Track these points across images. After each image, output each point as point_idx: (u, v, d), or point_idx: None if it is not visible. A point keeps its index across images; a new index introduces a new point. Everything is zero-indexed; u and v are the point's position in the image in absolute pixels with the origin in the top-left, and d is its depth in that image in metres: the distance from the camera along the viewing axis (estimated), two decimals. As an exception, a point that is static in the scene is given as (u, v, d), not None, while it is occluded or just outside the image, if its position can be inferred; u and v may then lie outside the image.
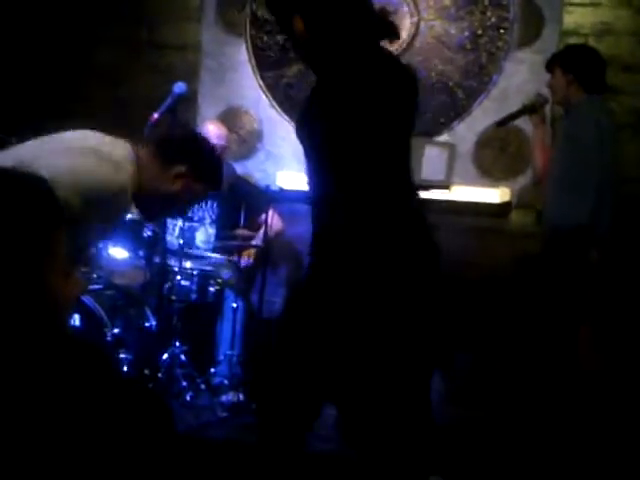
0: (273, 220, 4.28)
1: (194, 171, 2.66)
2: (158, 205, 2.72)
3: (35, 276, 1.15)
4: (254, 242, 4.22)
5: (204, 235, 4.34)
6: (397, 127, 2.20)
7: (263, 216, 4.21)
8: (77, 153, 2.44)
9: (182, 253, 3.93)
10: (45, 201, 1.19)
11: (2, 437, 1.08)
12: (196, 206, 4.34)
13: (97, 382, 1.31)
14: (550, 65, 3.82)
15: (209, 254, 4.18)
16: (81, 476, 1.15)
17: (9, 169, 1.24)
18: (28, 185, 1.19)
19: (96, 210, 2.38)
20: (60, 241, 1.21)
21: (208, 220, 4.40)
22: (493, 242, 4.57)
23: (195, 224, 4.31)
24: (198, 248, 4.23)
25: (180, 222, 4.20)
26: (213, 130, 4.46)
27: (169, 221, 4.05)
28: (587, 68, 3.72)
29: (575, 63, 3.73)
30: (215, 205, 4.41)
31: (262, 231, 4.13)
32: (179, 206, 2.85)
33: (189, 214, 4.28)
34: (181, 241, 3.96)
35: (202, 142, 2.82)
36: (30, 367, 1.16)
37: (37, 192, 1.18)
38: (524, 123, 4.18)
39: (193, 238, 4.24)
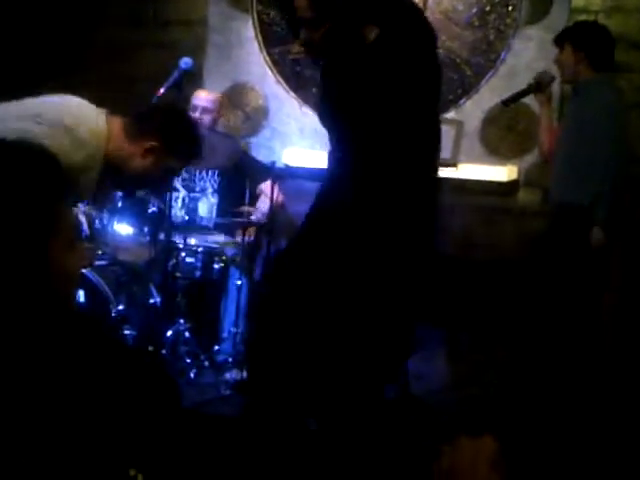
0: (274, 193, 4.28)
1: (167, 146, 2.61)
2: (129, 178, 2.67)
3: (40, 249, 1.15)
4: (254, 217, 4.20)
5: (207, 205, 4.34)
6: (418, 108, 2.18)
7: (261, 187, 4.22)
8: (40, 123, 2.39)
9: (187, 229, 3.91)
10: (49, 173, 1.18)
11: (9, 410, 1.07)
12: (197, 176, 4.33)
13: (102, 355, 1.31)
14: (560, 41, 3.76)
15: (214, 233, 4.16)
16: (88, 447, 1.14)
17: (14, 141, 1.22)
18: (32, 157, 1.18)
19: None
20: (64, 213, 1.21)
21: (210, 190, 4.38)
22: (500, 220, 4.55)
23: (197, 194, 4.28)
24: (202, 219, 4.22)
25: (183, 193, 4.19)
26: (204, 95, 4.41)
27: (173, 193, 4.03)
28: (598, 46, 3.68)
29: (586, 41, 3.68)
30: (217, 174, 4.38)
31: (262, 206, 4.13)
32: (152, 180, 2.79)
33: (191, 185, 4.27)
34: (185, 214, 3.95)
35: (177, 116, 2.77)
36: (35, 341, 1.15)
37: (41, 164, 1.17)
38: (532, 100, 4.14)
39: (196, 209, 4.22)
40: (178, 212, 4.11)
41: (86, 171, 2.48)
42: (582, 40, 3.69)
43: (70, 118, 2.46)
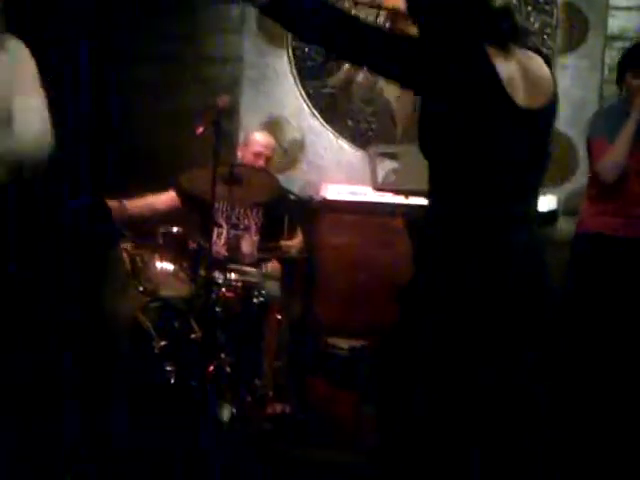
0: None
1: None
2: None
3: (94, 294, 1.17)
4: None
5: (249, 242, 4.36)
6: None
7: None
8: None
9: (226, 265, 3.94)
10: (103, 222, 1.20)
11: None
12: (241, 214, 4.37)
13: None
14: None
15: (253, 269, 4.18)
16: None
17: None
18: (86, 208, 1.20)
19: None
20: (117, 260, 1.23)
21: (254, 228, 4.42)
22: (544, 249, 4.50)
23: (240, 232, 4.32)
24: (244, 257, 4.25)
25: (225, 229, 4.22)
26: (261, 139, 4.46)
27: (215, 229, 4.07)
28: None
29: None
30: (260, 213, 4.42)
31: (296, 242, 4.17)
32: None
33: (234, 221, 4.30)
34: (226, 250, 3.98)
35: None
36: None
37: (95, 214, 1.20)
38: (570, 128, 4.12)
39: (239, 246, 4.25)
40: (220, 249, 4.14)
41: None
42: None
43: None
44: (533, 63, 2.20)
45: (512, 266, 2.15)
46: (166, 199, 4.33)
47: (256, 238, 4.37)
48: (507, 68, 2.09)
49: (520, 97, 2.10)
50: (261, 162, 4.38)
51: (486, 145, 2.11)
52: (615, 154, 3.66)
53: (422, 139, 2.20)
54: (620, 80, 3.82)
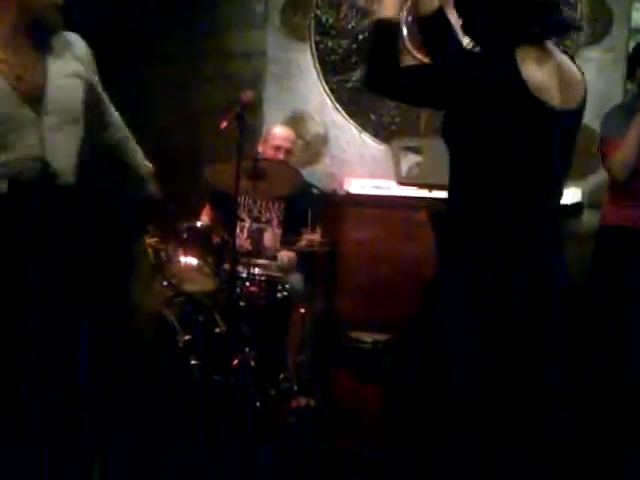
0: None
1: None
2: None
3: (121, 288, 1.18)
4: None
5: (271, 235, 4.38)
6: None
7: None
8: None
9: (250, 259, 3.95)
10: (130, 216, 1.21)
11: None
12: (263, 207, 4.39)
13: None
14: None
15: (275, 262, 4.19)
16: None
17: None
18: (113, 201, 1.21)
19: None
20: (143, 253, 1.24)
21: (276, 221, 4.43)
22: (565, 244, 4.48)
23: (262, 226, 4.33)
24: (266, 249, 4.26)
25: (248, 223, 4.23)
26: (280, 132, 4.47)
27: (238, 223, 4.08)
28: None
29: None
30: (282, 207, 4.43)
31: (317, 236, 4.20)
32: None
33: (256, 215, 4.31)
34: (249, 244, 3.99)
35: None
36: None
37: (122, 208, 1.21)
38: (594, 120, 4.08)
39: (261, 240, 4.26)
40: (243, 242, 4.16)
41: None
42: None
43: None
44: (567, 62, 2.21)
45: (536, 260, 2.15)
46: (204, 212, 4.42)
47: (278, 231, 4.38)
48: (540, 71, 2.10)
49: (554, 98, 2.11)
50: (281, 155, 4.39)
51: (513, 146, 2.12)
52: (624, 152, 3.63)
53: (447, 133, 2.21)
54: (631, 75, 3.79)
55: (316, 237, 4.38)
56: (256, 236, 4.17)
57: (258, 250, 4.14)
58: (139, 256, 1.18)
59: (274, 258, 4.22)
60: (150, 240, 3.60)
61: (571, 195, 4.51)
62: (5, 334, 1.77)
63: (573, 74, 2.21)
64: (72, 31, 2.31)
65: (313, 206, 4.40)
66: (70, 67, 2.28)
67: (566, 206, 4.48)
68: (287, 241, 4.32)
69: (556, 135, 2.17)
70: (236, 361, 3.72)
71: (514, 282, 2.11)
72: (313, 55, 5.12)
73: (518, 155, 2.12)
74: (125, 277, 1.18)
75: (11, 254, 1.90)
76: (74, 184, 2.07)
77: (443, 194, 3.71)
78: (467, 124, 2.13)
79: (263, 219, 4.41)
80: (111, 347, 1.17)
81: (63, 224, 1.89)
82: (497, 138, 2.10)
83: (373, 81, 2.24)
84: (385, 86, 2.24)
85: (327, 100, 5.11)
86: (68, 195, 2.01)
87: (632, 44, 4.31)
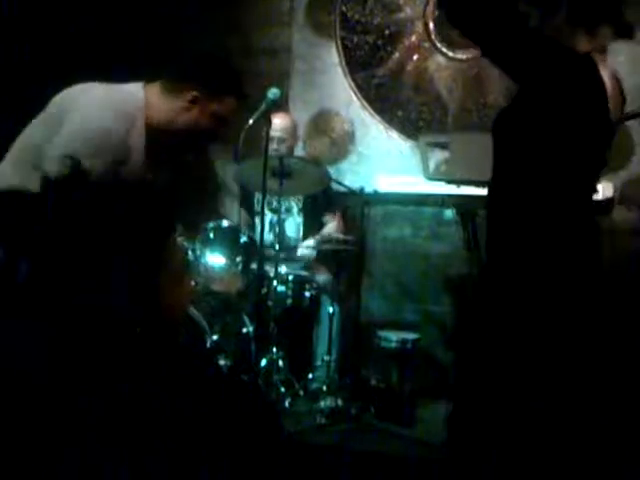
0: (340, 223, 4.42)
1: (208, 91, 2.58)
2: (180, 138, 2.64)
3: (150, 285, 1.16)
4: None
5: (293, 224, 4.35)
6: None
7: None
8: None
9: (277, 258, 3.93)
10: (160, 209, 1.20)
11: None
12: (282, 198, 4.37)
13: (205, 386, 1.32)
14: None
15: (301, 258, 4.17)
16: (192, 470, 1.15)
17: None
18: (143, 196, 1.20)
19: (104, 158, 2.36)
20: (174, 248, 1.23)
21: (295, 209, 4.41)
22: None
23: (283, 215, 4.26)
24: (290, 239, 4.24)
25: (269, 216, 4.20)
26: (277, 121, 4.32)
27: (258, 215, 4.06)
28: None
29: None
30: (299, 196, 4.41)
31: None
32: (205, 135, 2.72)
33: (275, 207, 4.26)
34: (272, 236, 3.99)
35: (209, 60, 2.73)
36: (140, 370, 1.16)
37: (153, 201, 1.20)
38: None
39: (283, 230, 4.23)
40: (266, 235, 4.13)
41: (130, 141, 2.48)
42: None
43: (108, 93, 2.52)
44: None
45: (592, 253, 2.15)
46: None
47: (300, 220, 4.36)
48: (606, 79, 2.09)
49: (612, 107, 2.11)
50: (283, 148, 4.32)
51: (572, 150, 2.20)
52: None
53: (501, 128, 2.20)
54: None
55: (339, 225, 4.37)
56: (278, 227, 4.09)
57: (281, 240, 4.08)
58: (170, 253, 1.18)
59: (295, 249, 4.20)
60: (177, 239, 3.59)
61: (602, 190, 4.44)
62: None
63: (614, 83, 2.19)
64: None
65: (341, 203, 4.39)
66: None
67: (599, 202, 4.43)
68: (309, 230, 4.30)
69: (610, 139, 2.17)
70: (264, 361, 3.71)
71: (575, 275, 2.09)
72: (339, 51, 5.08)
73: (574, 160, 2.12)
74: (156, 274, 1.16)
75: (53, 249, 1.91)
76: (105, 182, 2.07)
77: (471, 190, 3.69)
78: (530, 120, 2.12)
79: (282, 208, 4.34)
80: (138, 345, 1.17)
81: (94, 221, 1.89)
82: (559, 142, 2.09)
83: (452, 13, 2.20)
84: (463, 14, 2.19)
85: (353, 97, 5.07)
86: (99, 192, 2.01)
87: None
